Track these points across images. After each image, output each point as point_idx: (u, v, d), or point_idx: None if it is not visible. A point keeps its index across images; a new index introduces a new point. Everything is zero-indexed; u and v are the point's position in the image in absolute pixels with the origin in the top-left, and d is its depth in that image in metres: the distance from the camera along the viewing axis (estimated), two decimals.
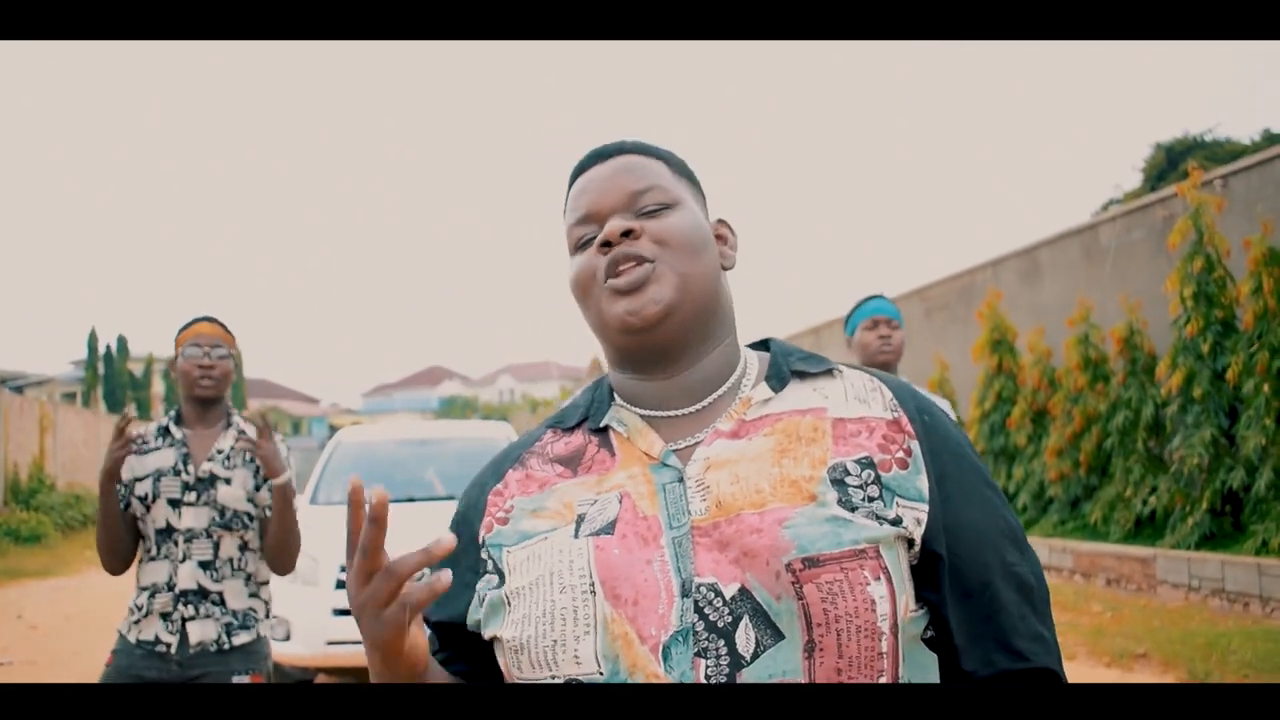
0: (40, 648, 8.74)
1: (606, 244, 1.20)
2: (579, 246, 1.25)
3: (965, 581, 1.13)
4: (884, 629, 1.05)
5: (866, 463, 1.13)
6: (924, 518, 1.12)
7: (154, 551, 3.09)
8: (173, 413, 3.22)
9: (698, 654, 1.04)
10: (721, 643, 1.04)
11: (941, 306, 14.96)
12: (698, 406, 1.23)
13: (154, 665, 3.02)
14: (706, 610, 1.06)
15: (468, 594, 1.22)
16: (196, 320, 3.21)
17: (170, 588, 3.05)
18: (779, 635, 1.04)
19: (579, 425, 1.29)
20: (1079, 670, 6.87)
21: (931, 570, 1.12)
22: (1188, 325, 8.92)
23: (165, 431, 3.19)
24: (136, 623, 3.06)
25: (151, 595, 3.06)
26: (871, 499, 1.11)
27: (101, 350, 55.11)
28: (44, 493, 21.09)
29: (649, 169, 1.26)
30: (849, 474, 1.12)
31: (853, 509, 1.09)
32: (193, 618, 3.04)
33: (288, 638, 6.14)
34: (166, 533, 3.07)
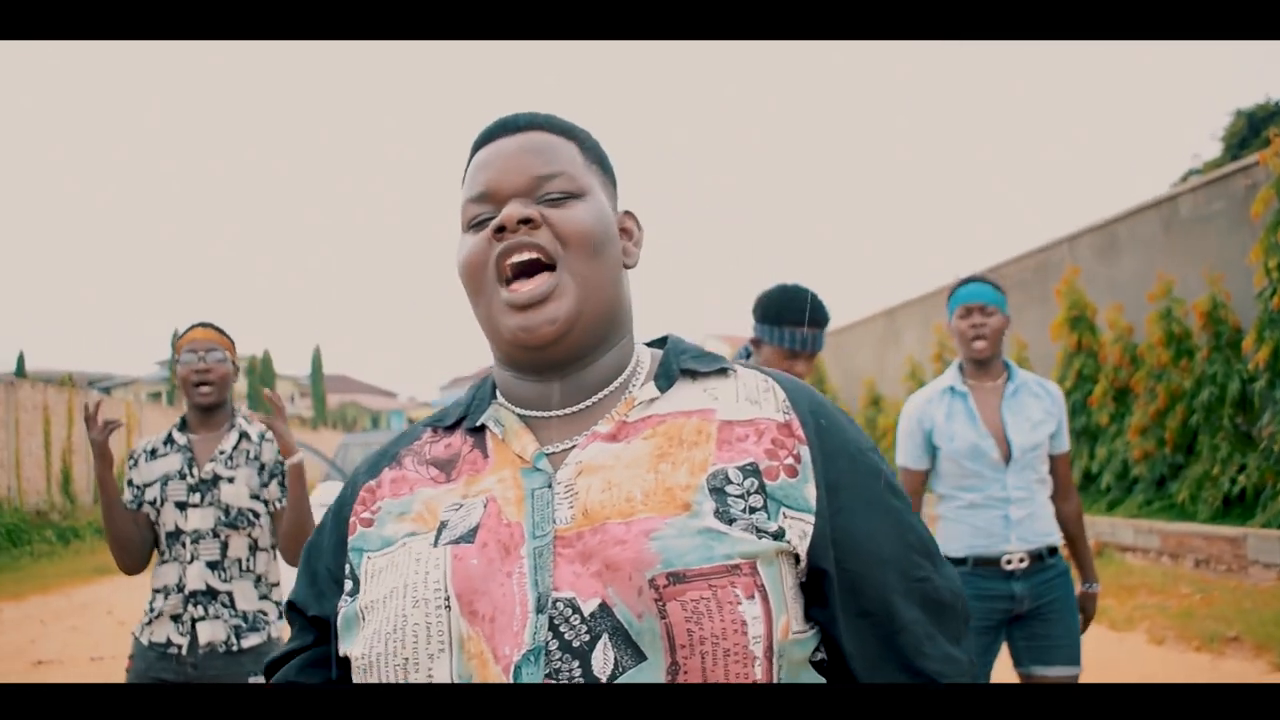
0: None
1: (501, 229, 1.09)
2: (472, 225, 1.14)
3: (861, 600, 1.04)
4: (756, 652, 0.96)
5: (751, 470, 1.05)
6: (809, 530, 1.03)
7: (165, 555, 3.14)
8: (179, 420, 3.27)
9: (548, 675, 0.96)
10: (576, 664, 0.95)
11: (1017, 285, 14.70)
12: (580, 407, 1.14)
13: (169, 668, 3.06)
14: (562, 628, 0.97)
15: (337, 593, 1.14)
16: (192, 326, 3.26)
17: (180, 589, 3.08)
18: (640, 656, 0.95)
19: (457, 425, 1.20)
20: (1168, 655, 6.73)
21: (819, 587, 1.04)
22: (1274, 297, 8.66)
23: (170, 439, 3.24)
24: (148, 624, 3.10)
25: (164, 597, 3.09)
26: (753, 510, 1.02)
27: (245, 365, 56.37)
28: None
29: (558, 151, 1.15)
30: (730, 482, 1.03)
31: (730, 521, 1.01)
32: (202, 618, 3.06)
33: None
34: (175, 535, 3.11)
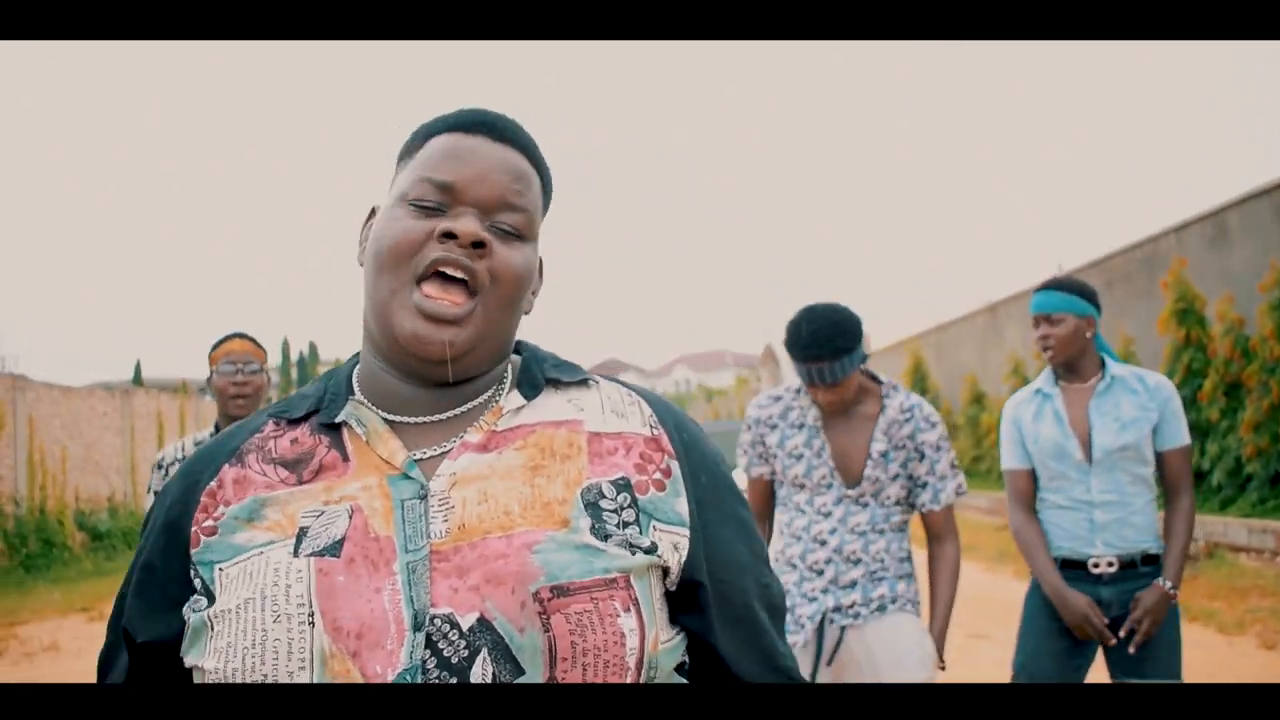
0: None
1: (451, 236, 1.06)
2: (415, 204, 1.08)
3: (731, 607, 1.08)
4: (630, 664, 0.98)
5: (623, 484, 1.05)
6: (684, 543, 1.05)
7: None
8: (211, 429, 3.31)
9: None
10: (454, 680, 0.94)
11: (1123, 277, 14.29)
12: (446, 415, 1.11)
13: None
14: (441, 645, 0.95)
15: (178, 611, 1.06)
16: (228, 338, 3.33)
17: None
18: (519, 670, 0.94)
19: (306, 419, 1.12)
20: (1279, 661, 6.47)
21: (692, 597, 1.06)
22: None
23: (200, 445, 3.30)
24: None
25: None
26: (626, 524, 1.03)
27: (295, 356, 57.94)
28: None
29: (530, 185, 1.13)
30: (604, 496, 1.04)
31: (605, 536, 1.02)
32: None
33: None
34: None
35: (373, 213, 1.20)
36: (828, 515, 3.13)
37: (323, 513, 1.02)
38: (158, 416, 21.24)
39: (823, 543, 3.12)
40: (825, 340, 2.94)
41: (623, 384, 1.18)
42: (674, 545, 1.04)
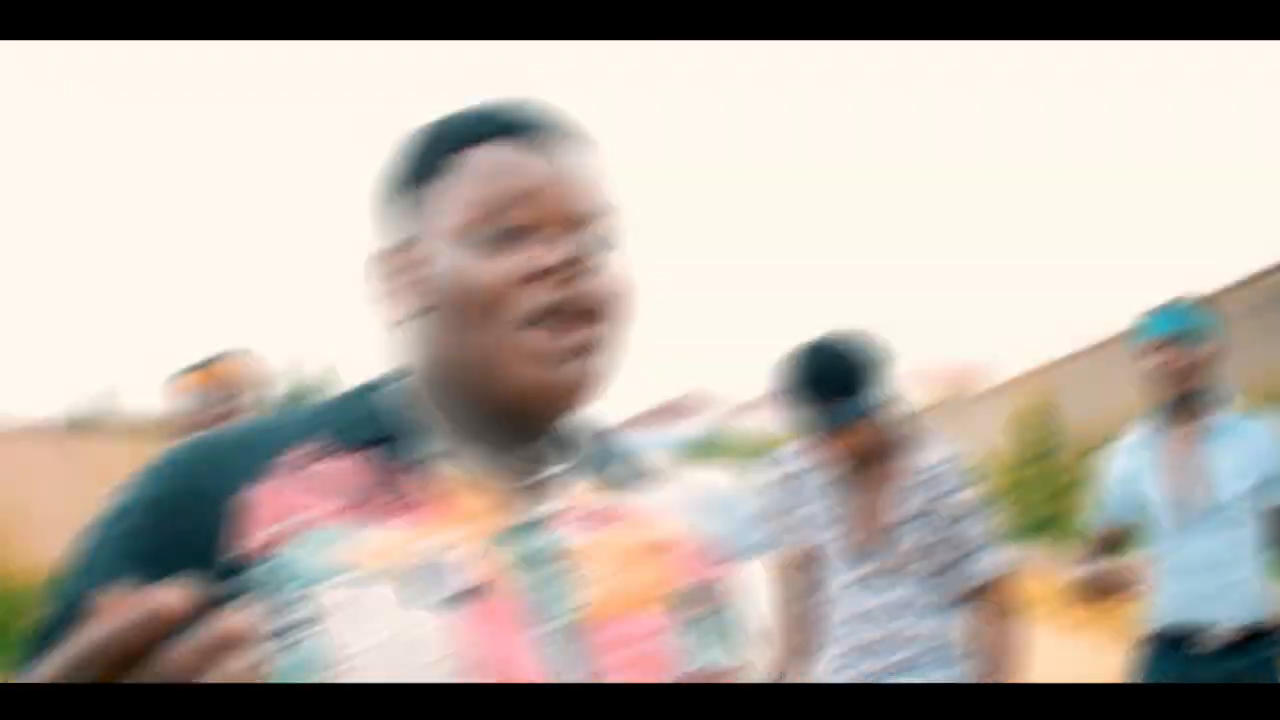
0: None
1: (548, 271, 0.87)
2: (487, 243, 0.88)
3: None
4: None
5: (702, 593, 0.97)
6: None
7: None
8: None
9: None
10: None
11: (1274, 300, 13.17)
12: (529, 481, 0.93)
13: None
14: None
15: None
16: (208, 363, 3.00)
17: None
18: None
19: (370, 446, 0.90)
20: None
21: None
22: None
23: None
24: None
25: None
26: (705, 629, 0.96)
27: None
28: None
29: (594, 188, 0.93)
30: (684, 595, 0.95)
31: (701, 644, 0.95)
32: None
33: None
34: None
35: (400, 248, 0.94)
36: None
37: (444, 557, 0.86)
38: None
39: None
40: (823, 376, 2.45)
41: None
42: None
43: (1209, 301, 11.23)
